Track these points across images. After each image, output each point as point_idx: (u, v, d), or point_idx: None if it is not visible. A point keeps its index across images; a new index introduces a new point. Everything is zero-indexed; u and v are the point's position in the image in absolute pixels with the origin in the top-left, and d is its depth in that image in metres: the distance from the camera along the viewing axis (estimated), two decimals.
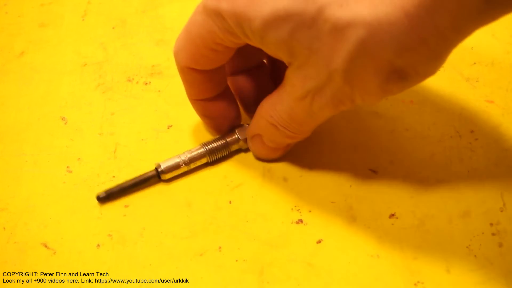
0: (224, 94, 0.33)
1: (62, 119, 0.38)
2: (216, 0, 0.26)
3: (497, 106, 0.36)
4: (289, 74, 0.28)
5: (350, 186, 0.33)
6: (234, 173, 0.34)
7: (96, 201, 0.33)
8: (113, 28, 0.43)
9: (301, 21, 0.24)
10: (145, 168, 0.34)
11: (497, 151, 0.34)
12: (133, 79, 0.40)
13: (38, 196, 0.34)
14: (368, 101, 0.27)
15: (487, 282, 0.29)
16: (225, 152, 0.34)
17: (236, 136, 0.34)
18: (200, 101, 0.33)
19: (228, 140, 0.34)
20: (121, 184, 0.33)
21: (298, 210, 0.32)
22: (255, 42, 0.27)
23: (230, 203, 0.33)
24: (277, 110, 0.29)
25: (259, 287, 0.30)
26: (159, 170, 0.33)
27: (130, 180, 0.33)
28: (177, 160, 0.33)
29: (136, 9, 0.44)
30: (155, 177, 0.33)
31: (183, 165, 0.33)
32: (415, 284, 0.29)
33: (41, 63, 0.41)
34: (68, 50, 0.42)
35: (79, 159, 0.35)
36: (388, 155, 0.34)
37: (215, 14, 0.27)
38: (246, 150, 0.35)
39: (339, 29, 0.23)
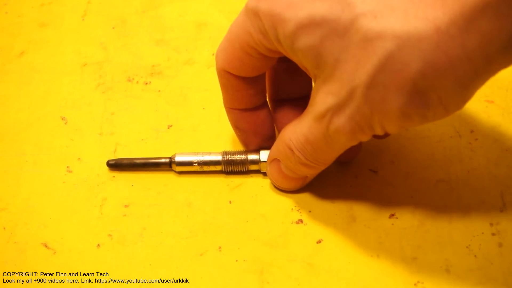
0: (260, 110, 0.32)
1: (62, 119, 0.38)
2: (256, 0, 0.26)
3: (497, 106, 0.36)
4: (314, 91, 0.27)
5: (350, 186, 0.33)
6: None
7: (96, 201, 0.33)
8: (113, 28, 0.43)
9: (334, 29, 0.24)
10: (145, 167, 0.34)
11: (497, 151, 0.34)
12: (133, 79, 0.40)
13: (38, 196, 0.34)
14: (387, 127, 0.25)
15: (487, 282, 0.29)
16: (241, 168, 0.33)
17: (258, 156, 0.33)
18: (235, 110, 0.32)
19: (249, 157, 0.33)
20: (134, 158, 0.34)
21: (298, 210, 0.32)
22: (285, 48, 0.26)
23: (230, 203, 0.33)
24: (296, 133, 0.28)
25: (259, 287, 0.30)
26: (172, 160, 0.33)
27: (143, 158, 0.34)
28: (192, 158, 0.33)
29: (136, 9, 0.44)
30: (167, 165, 0.34)
31: (196, 164, 0.33)
32: (415, 284, 0.29)
33: (41, 63, 0.41)
34: (68, 50, 0.42)
35: (79, 159, 0.35)
36: (388, 155, 0.34)
37: (253, 14, 0.26)
38: (266, 173, 0.33)
39: (368, 40, 0.23)
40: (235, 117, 0.32)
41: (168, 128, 0.37)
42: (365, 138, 0.26)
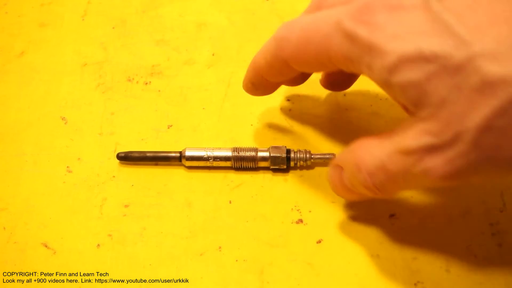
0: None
1: (62, 119, 0.38)
2: (354, 22, 0.24)
3: None
4: (405, 124, 0.25)
5: None
6: (234, 173, 0.34)
7: (96, 201, 0.33)
8: (113, 28, 0.43)
9: (444, 66, 0.22)
10: (145, 167, 0.34)
11: None
12: (133, 79, 0.40)
13: (38, 196, 0.34)
14: (493, 175, 0.24)
15: (487, 282, 0.29)
16: (251, 164, 0.34)
17: (268, 153, 0.33)
18: (260, 78, 0.31)
19: (259, 154, 0.33)
20: (144, 151, 0.34)
21: (298, 210, 0.32)
22: (377, 78, 0.24)
23: (230, 203, 0.33)
24: (372, 155, 0.26)
25: (259, 287, 0.30)
26: (183, 155, 0.34)
27: (153, 151, 0.34)
28: (203, 153, 0.34)
29: (136, 9, 0.44)
30: (177, 159, 0.34)
31: (207, 159, 0.34)
32: (415, 284, 0.29)
33: (41, 63, 0.41)
34: (68, 50, 0.42)
35: (79, 159, 0.35)
36: None
37: (346, 36, 0.24)
38: (275, 170, 0.34)
39: (488, 83, 0.21)
40: (258, 80, 0.32)
41: (168, 128, 0.37)
42: (455, 183, 0.24)
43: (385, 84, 0.24)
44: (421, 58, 0.22)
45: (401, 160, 0.24)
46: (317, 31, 0.26)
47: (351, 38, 0.24)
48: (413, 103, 0.23)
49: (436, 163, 0.23)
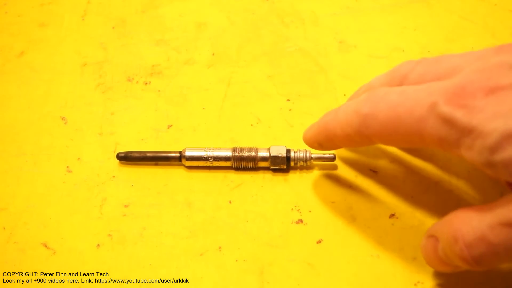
0: None
1: (62, 119, 0.38)
2: (452, 107, 0.23)
3: None
4: (508, 197, 0.24)
5: (350, 186, 0.33)
6: (234, 173, 0.34)
7: (96, 201, 0.33)
8: (113, 28, 0.43)
9: None
10: (145, 167, 0.34)
11: None
12: (133, 79, 0.40)
13: (38, 196, 0.34)
14: None
15: (487, 282, 0.29)
16: (251, 164, 0.34)
17: (268, 154, 0.33)
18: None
19: (259, 154, 0.33)
20: (144, 151, 0.34)
21: (298, 210, 0.32)
22: (477, 159, 0.24)
23: (230, 203, 0.33)
24: (471, 226, 0.25)
25: (259, 287, 0.30)
26: (182, 155, 0.34)
27: (153, 151, 0.34)
28: (203, 153, 0.34)
29: (136, 9, 0.44)
30: (177, 159, 0.34)
31: (207, 159, 0.34)
32: (415, 284, 0.29)
33: (41, 63, 0.41)
34: (68, 50, 0.42)
35: (79, 159, 0.35)
36: (388, 155, 0.34)
37: (444, 120, 0.24)
38: (275, 170, 0.34)
39: None
40: (327, 144, 0.31)
41: (168, 128, 0.37)
42: None
43: (487, 164, 0.23)
44: None
45: (504, 232, 0.24)
46: (409, 113, 0.25)
47: (448, 122, 0.24)
48: None
49: None
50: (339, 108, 0.29)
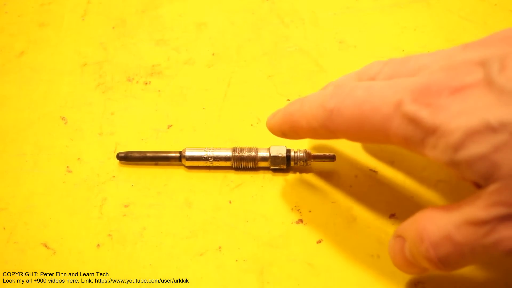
0: None
1: (62, 119, 0.38)
2: (417, 105, 0.23)
3: None
4: (474, 195, 0.24)
5: (350, 186, 0.33)
6: (234, 173, 0.34)
7: (96, 201, 0.33)
8: (113, 28, 0.43)
9: None
10: (145, 167, 0.34)
11: None
12: (133, 79, 0.40)
13: (38, 196, 0.34)
14: None
15: (487, 282, 0.29)
16: (251, 164, 0.34)
17: (268, 153, 0.33)
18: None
19: (259, 154, 0.33)
20: (144, 151, 0.34)
21: (298, 210, 0.32)
22: (441, 158, 0.23)
23: (230, 203, 0.33)
24: (436, 225, 0.24)
25: (259, 287, 0.30)
26: (182, 155, 0.34)
27: (153, 151, 0.34)
28: (203, 153, 0.34)
29: (136, 9, 0.44)
30: (177, 159, 0.34)
31: (207, 159, 0.34)
32: (415, 284, 0.29)
33: (41, 63, 0.41)
34: (68, 50, 0.42)
35: (79, 159, 0.35)
36: (388, 155, 0.34)
37: (408, 118, 0.23)
38: (275, 170, 0.34)
39: None
40: (291, 133, 0.30)
41: (168, 128, 0.37)
42: None
43: (450, 163, 0.23)
44: (488, 130, 0.21)
45: (470, 231, 0.23)
46: (374, 111, 0.25)
47: (413, 121, 0.23)
48: (482, 177, 0.23)
49: (510, 233, 0.22)
50: (305, 99, 0.28)
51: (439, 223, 0.24)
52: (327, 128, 0.27)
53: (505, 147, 0.21)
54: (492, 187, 0.22)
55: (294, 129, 0.29)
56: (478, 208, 0.23)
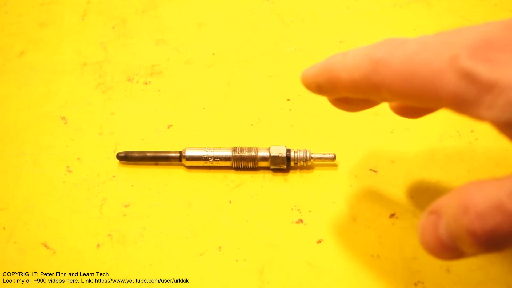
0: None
1: (62, 119, 0.38)
2: (474, 60, 0.21)
3: None
4: None
5: (350, 186, 0.33)
6: (234, 173, 0.34)
7: (96, 201, 0.33)
8: (113, 28, 0.43)
9: None
10: (145, 167, 0.34)
11: (497, 151, 0.34)
12: (133, 78, 0.40)
13: (38, 196, 0.34)
14: None
15: (487, 282, 0.29)
16: (251, 164, 0.34)
17: (268, 154, 0.33)
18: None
19: (259, 154, 0.33)
20: (144, 151, 0.34)
21: (298, 210, 0.32)
22: (499, 117, 0.21)
23: (230, 203, 0.33)
24: (486, 194, 0.22)
25: (259, 287, 0.30)
26: (182, 155, 0.34)
27: (153, 151, 0.34)
28: (203, 152, 0.34)
29: (136, 9, 0.44)
30: (177, 159, 0.34)
31: (207, 159, 0.34)
32: (415, 284, 0.29)
33: (41, 63, 0.41)
34: (68, 50, 0.42)
35: (79, 159, 0.35)
36: (388, 155, 0.34)
37: (464, 74, 0.21)
38: (275, 170, 0.34)
39: None
40: (327, 88, 0.27)
41: (168, 128, 0.37)
42: None
43: (509, 123, 0.21)
44: None
45: None
46: (426, 64, 0.23)
47: (469, 76, 0.21)
48: None
49: None
50: (348, 51, 0.26)
51: (488, 192, 0.22)
52: (370, 81, 0.24)
53: None
54: None
55: (331, 82, 0.26)
56: None
